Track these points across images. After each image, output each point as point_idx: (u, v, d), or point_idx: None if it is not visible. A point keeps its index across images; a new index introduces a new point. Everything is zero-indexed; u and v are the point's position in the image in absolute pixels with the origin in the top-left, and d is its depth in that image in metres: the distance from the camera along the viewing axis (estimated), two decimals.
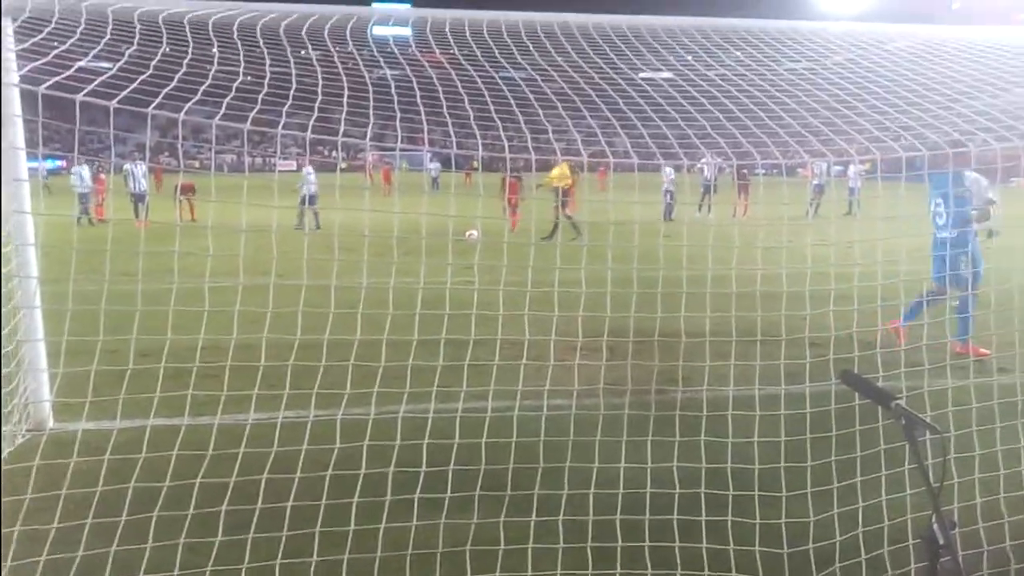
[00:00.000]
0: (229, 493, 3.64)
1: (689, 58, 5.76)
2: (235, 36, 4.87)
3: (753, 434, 4.10)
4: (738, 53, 6.01)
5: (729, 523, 3.80)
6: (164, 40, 4.65)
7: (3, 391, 4.65)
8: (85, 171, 23.17)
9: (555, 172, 16.08)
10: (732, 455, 4.06)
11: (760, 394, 4.31)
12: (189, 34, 4.68)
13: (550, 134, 5.11)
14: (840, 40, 6.15)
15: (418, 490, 3.78)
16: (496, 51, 5.37)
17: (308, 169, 19.70)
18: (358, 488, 3.72)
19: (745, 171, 20.89)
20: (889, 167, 5.10)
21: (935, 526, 2.02)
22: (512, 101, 5.19)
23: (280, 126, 4.29)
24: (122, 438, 4.19)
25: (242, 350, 4.27)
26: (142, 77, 4.12)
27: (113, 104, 3.74)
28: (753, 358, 4.45)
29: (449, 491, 3.79)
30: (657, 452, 4.10)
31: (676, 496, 3.88)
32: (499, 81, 5.39)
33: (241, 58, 4.71)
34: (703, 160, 19.64)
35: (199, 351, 4.11)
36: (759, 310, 4.63)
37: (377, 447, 4.02)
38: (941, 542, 1.99)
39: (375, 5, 5.17)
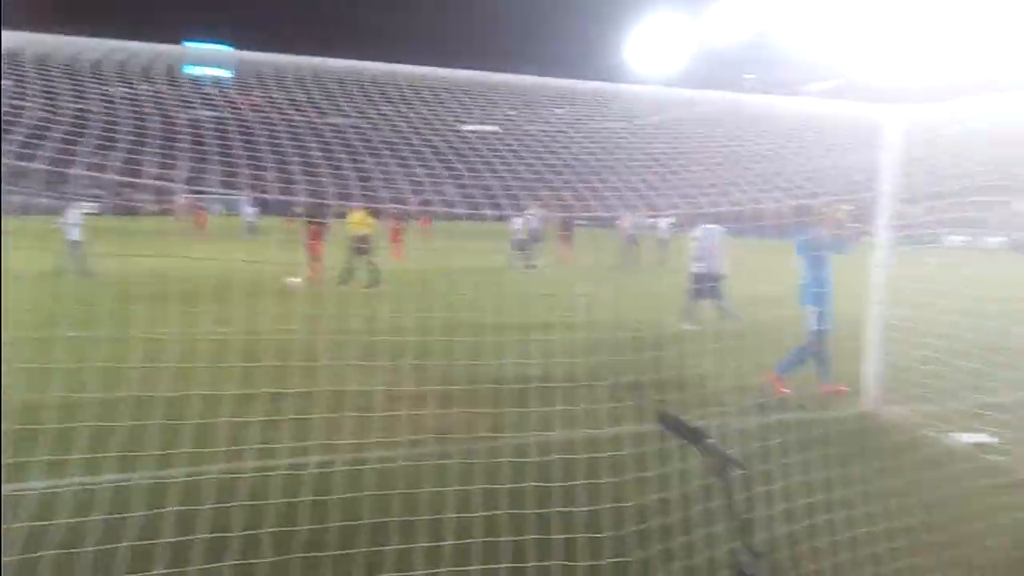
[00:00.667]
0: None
1: (513, 113, 5.94)
2: (27, 68, 4.46)
3: (577, 477, 4.16)
4: (559, 111, 6.28)
5: (558, 567, 3.82)
6: None
7: None
8: None
9: (354, 218, 15.91)
10: (558, 499, 4.09)
11: (583, 437, 4.41)
12: None
13: (377, 181, 5.07)
14: (653, 103, 6.59)
15: (231, 556, 3.50)
16: (320, 98, 5.28)
17: (73, 212, 16.77)
18: (159, 558, 3.39)
19: (568, 222, 21.84)
20: (699, 221, 5.47)
21: (745, 557, 2.10)
22: (337, 148, 5.11)
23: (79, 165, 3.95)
24: None
25: (24, 412, 3.82)
26: None
27: None
28: (577, 402, 4.55)
29: (266, 555, 3.54)
30: (486, 500, 4.06)
31: (505, 544, 3.85)
32: (323, 127, 5.30)
33: (36, 92, 4.31)
34: (528, 211, 20.46)
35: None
36: (581, 356, 4.76)
37: (184, 512, 3.70)
38: (751, 573, 2.08)
39: (189, 45, 4.90)
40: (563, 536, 3.95)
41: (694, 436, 2.29)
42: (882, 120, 7.07)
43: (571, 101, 6.18)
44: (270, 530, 3.57)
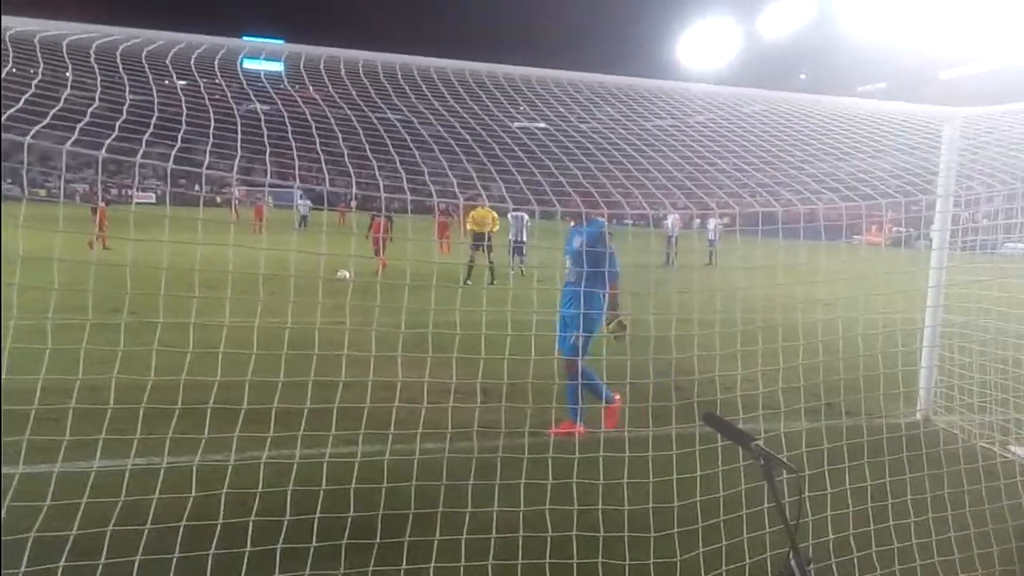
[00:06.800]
0: (68, 548, 3.31)
1: (562, 110, 5.93)
2: (92, 60, 4.58)
3: (623, 476, 4.16)
4: (608, 108, 6.25)
5: (600, 565, 3.82)
6: (10, 59, 4.32)
7: None
8: None
9: (478, 214, 15.61)
10: (603, 496, 4.09)
11: (629, 436, 4.40)
12: (39, 54, 4.37)
13: (426, 176, 5.11)
14: (701, 100, 6.51)
15: (281, 540, 3.58)
16: (372, 91, 5.33)
17: None
18: (215, 540, 3.48)
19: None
20: (746, 221, 5.41)
21: (792, 562, 2.08)
22: (388, 141, 5.16)
23: (139, 155, 4.05)
24: None
25: (88, 392, 3.94)
26: None
27: None
28: (622, 401, 4.53)
29: (314, 540, 3.61)
30: (530, 495, 4.08)
31: (548, 539, 3.86)
32: (375, 121, 5.35)
33: (98, 83, 4.43)
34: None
35: (38, 393, 3.74)
36: (628, 354, 4.74)
37: (236, 495, 3.79)
38: None
39: (246, 38, 5.00)
40: (609, 534, 3.95)
41: (741, 438, 2.29)
42: (940, 121, 6.89)
43: (620, 99, 6.14)
44: (319, 515, 3.64)
